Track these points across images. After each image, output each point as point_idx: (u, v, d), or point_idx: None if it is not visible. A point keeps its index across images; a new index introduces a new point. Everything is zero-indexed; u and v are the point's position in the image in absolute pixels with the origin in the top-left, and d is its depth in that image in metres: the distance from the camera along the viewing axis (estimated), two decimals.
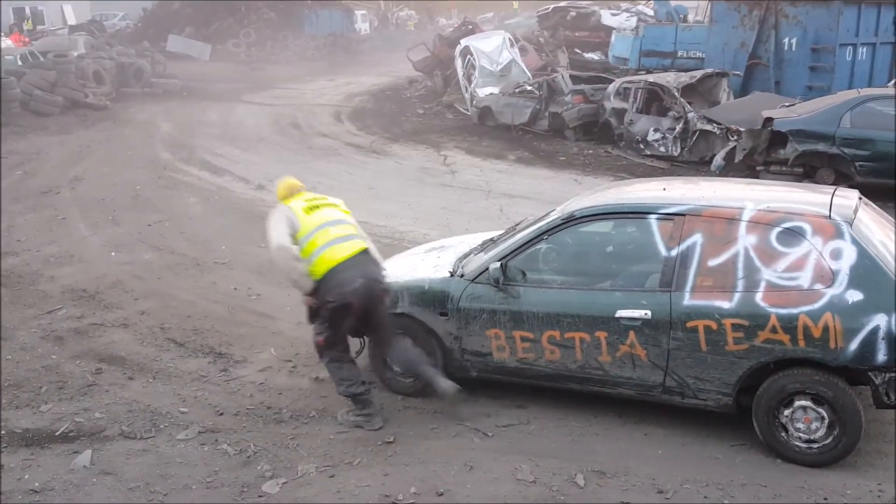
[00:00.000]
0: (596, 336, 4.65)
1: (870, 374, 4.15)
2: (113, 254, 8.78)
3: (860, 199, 4.83)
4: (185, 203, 11.14)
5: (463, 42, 19.13)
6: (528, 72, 18.24)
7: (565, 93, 15.06)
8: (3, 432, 4.91)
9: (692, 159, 12.51)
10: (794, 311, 4.17)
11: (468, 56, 18.36)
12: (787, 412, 4.34)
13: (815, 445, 4.32)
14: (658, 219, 4.62)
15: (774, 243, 4.34)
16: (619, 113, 13.89)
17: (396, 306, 5.20)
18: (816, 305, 4.15)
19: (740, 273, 4.35)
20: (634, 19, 24.91)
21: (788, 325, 4.18)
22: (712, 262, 4.41)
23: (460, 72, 18.64)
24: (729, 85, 14.15)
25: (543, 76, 16.83)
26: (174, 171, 13.08)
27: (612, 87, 14.38)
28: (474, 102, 17.34)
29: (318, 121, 18.47)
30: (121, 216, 10.32)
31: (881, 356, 4.08)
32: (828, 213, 4.40)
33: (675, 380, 4.55)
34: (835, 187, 5.13)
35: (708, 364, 4.42)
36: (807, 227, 4.32)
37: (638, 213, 4.75)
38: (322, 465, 4.50)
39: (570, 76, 15.81)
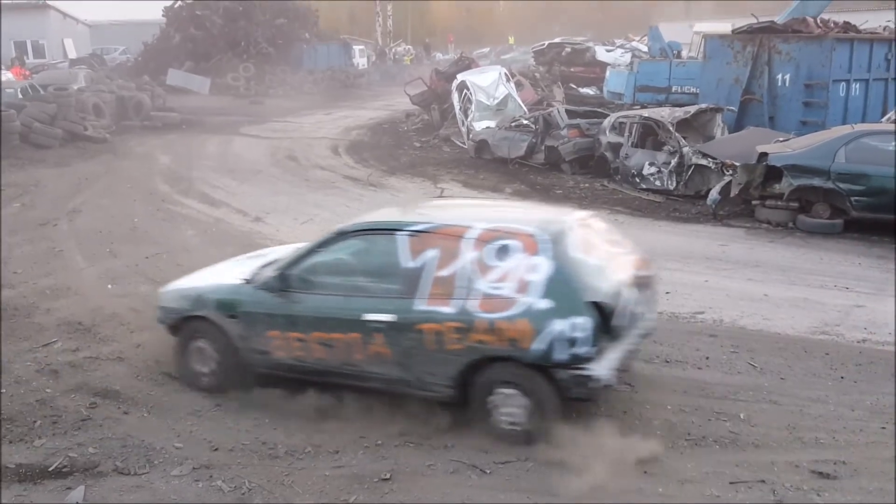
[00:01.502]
0: (351, 337, 5.28)
1: (553, 370, 4.85)
2: (109, 286, 8.74)
3: (585, 220, 5.67)
4: (182, 235, 11.14)
5: (460, 77, 19.32)
6: (524, 106, 18.40)
7: (561, 127, 15.18)
8: None
9: (688, 193, 12.57)
10: (497, 315, 4.88)
11: (465, 90, 18.53)
12: (494, 399, 5.04)
13: (518, 427, 5.01)
14: (403, 235, 5.28)
15: (489, 258, 5.04)
16: (615, 147, 13.99)
17: (199, 309, 5.87)
18: (513, 311, 4.87)
19: (462, 283, 5.04)
20: (629, 55, 25.23)
21: (492, 327, 4.90)
22: (442, 274, 5.08)
23: (457, 106, 18.79)
24: (723, 120, 14.27)
25: (539, 110, 16.99)
26: (172, 204, 13.10)
27: (607, 122, 14.50)
28: (471, 136, 17.46)
29: (315, 153, 18.56)
30: (118, 248, 10.31)
31: (561, 355, 4.80)
32: (536, 232, 5.06)
33: (412, 374, 5.22)
34: (581, 211, 6.09)
35: (435, 361, 5.10)
36: (515, 245, 5.03)
37: (389, 230, 5.41)
38: (318, 503, 4.44)
39: (566, 110, 15.95)
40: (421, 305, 5.07)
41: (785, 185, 10.67)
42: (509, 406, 5.01)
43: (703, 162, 12.40)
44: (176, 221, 11.94)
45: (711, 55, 16.42)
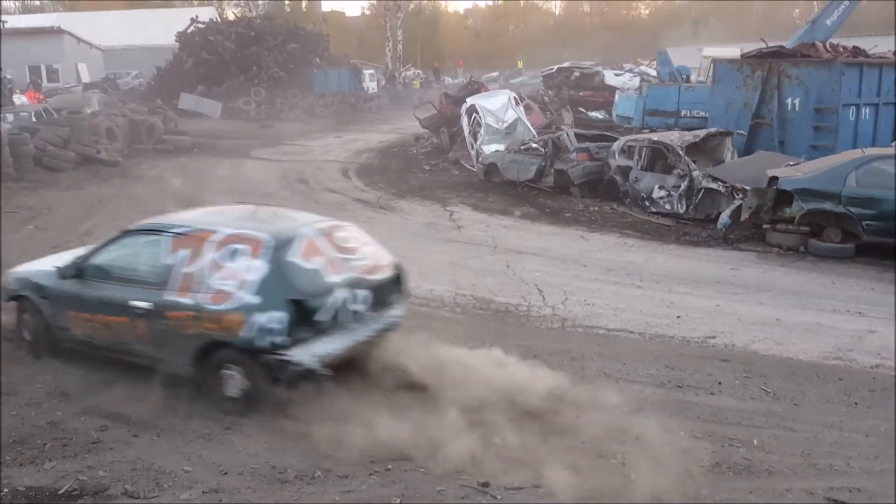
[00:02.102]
0: (122, 320, 6.22)
1: (260, 354, 5.69)
2: None
3: (331, 228, 6.44)
4: None
5: (469, 100, 19.43)
6: (533, 130, 18.47)
7: (570, 150, 15.23)
8: (5, 490, 4.83)
9: (698, 217, 12.56)
10: (219, 307, 5.75)
11: (474, 114, 18.62)
12: (222, 375, 5.87)
13: (239, 398, 5.83)
14: (167, 236, 6.22)
15: (223, 258, 5.91)
16: (624, 170, 14.01)
17: (24, 290, 6.97)
18: (230, 305, 5.73)
19: (200, 279, 5.91)
20: (637, 79, 25.35)
21: (215, 317, 5.77)
22: (188, 270, 5.97)
23: (466, 129, 18.89)
24: (733, 144, 14.29)
25: (549, 134, 17.05)
26: None
27: (616, 146, 14.54)
28: (480, 159, 17.53)
29: (325, 176, 18.65)
30: None
31: (262, 342, 5.65)
32: (264, 238, 5.92)
33: (165, 353, 6.11)
34: (335, 220, 6.83)
35: (179, 343, 5.97)
36: (243, 248, 5.91)
37: (159, 231, 6.34)
38: None
39: (575, 134, 16.00)
40: (170, 296, 5.98)
41: (796, 209, 10.65)
42: (232, 382, 5.87)
43: (714, 186, 12.40)
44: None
45: (720, 79, 16.47)
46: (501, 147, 17.30)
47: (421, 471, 5.11)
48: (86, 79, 38.99)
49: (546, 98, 25.79)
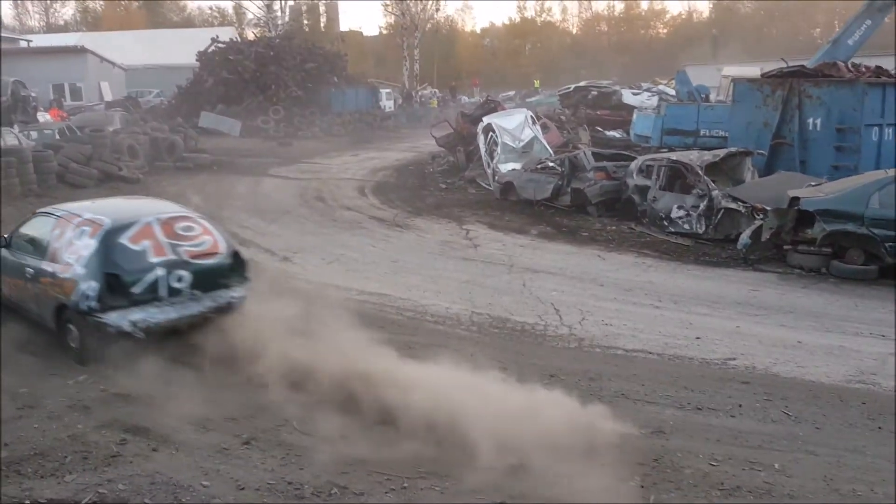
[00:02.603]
0: (22, 282, 7.72)
1: (86, 316, 6.95)
2: None
3: (173, 216, 7.66)
4: None
5: (485, 119, 19.49)
6: (549, 148, 18.48)
7: (587, 169, 15.21)
8: (27, 503, 4.85)
9: (717, 237, 12.48)
10: (65, 276, 7.12)
11: (490, 133, 18.67)
12: (68, 330, 7.25)
13: (75, 352, 7.23)
14: (54, 217, 7.74)
15: (75, 237, 7.30)
16: (642, 190, 13.97)
17: None
18: (69, 274, 7.10)
19: (60, 252, 7.32)
20: (656, 98, 25.35)
21: (62, 283, 7.14)
22: (56, 245, 7.43)
23: (483, 148, 18.93)
24: (753, 164, 14.22)
25: (565, 153, 17.05)
26: None
27: (634, 165, 14.51)
28: (496, 178, 17.54)
29: (342, 194, 18.75)
30: None
31: (83, 305, 6.94)
32: (104, 221, 7.25)
33: (40, 310, 7.56)
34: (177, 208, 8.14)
35: (46, 302, 7.43)
36: (88, 229, 7.25)
37: (52, 213, 7.87)
38: None
39: (593, 153, 15.98)
40: (44, 265, 7.39)
41: (817, 230, 10.56)
42: (72, 335, 7.23)
43: (733, 206, 12.32)
44: None
45: (740, 99, 16.43)
46: (518, 166, 17.32)
47: (437, 489, 5.07)
48: (108, 97, 39.52)
49: (563, 117, 25.86)
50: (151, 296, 7.03)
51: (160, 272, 7.06)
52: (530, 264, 11.63)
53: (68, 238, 7.30)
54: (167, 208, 8.07)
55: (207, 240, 7.57)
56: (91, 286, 6.90)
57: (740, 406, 6.41)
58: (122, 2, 75.94)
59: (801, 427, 6.03)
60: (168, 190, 18.80)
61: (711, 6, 78.60)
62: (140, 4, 75.24)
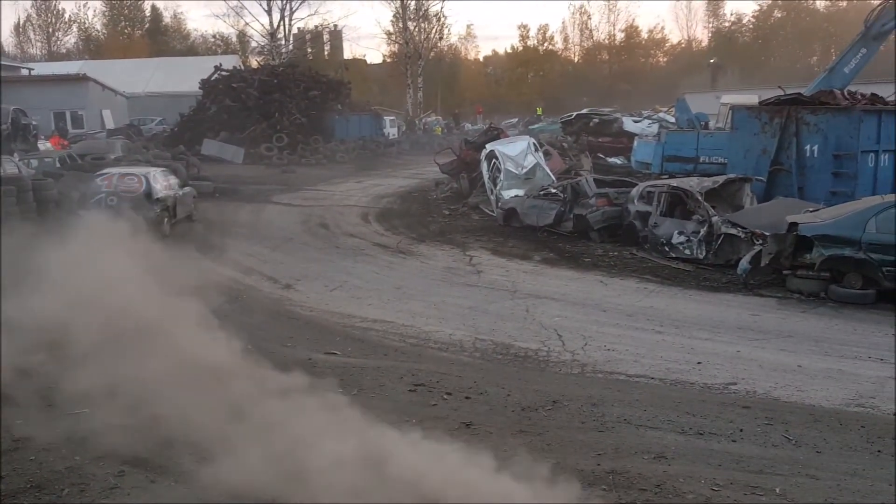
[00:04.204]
0: None
1: None
2: None
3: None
4: (211, 303, 11.21)
5: (489, 146, 19.66)
6: (552, 175, 18.62)
7: (590, 195, 15.33)
8: None
9: (717, 262, 12.55)
10: None
11: (494, 160, 18.83)
12: None
13: None
14: None
15: None
16: (643, 216, 14.07)
17: None
18: None
19: None
20: (656, 126, 25.57)
21: None
22: None
23: (486, 175, 19.08)
24: (752, 190, 14.34)
25: (568, 179, 17.19)
26: (203, 271, 13.21)
27: (635, 191, 14.63)
28: (500, 204, 17.67)
29: (345, 221, 18.86)
30: None
31: None
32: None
33: None
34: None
35: None
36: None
37: None
38: None
39: (594, 180, 16.13)
40: None
41: (816, 256, 10.64)
42: None
43: (733, 231, 12.42)
44: (206, 288, 12.05)
45: (739, 126, 16.60)
46: (521, 192, 17.45)
47: None
48: (110, 125, 39.81)
49: (565, 144, 26.05)
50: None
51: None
52: (533, 290, 11.70)
53: None
54: None
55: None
56: None
57: (741, 430, 6.44)
58: (125, 30, 76.94)
59: (802, 451, 6.06)
60: None
61: (710, 35, 79.45)
62: (143, 33, 76.21)
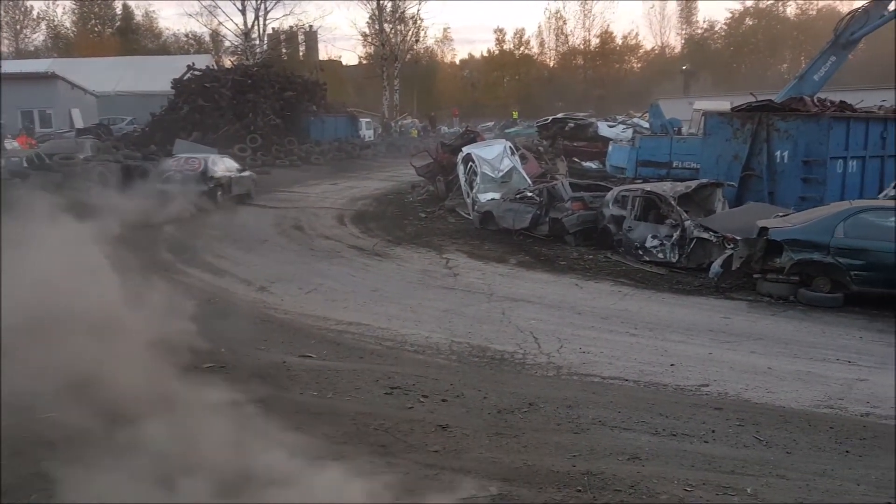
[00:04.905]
0: None
1: None
2: None
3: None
4: (183, 306, 11.11)
5: (465, 150, 19.70)
6: (528, 179, 18.73)
7: (565, 199, 15.45)
8: None
9: (690, 266, 12.71)
10: None
11: (470, 163, 18.89)
12: None
13: None
14: None
15: None
16: (618, 220, 14.22)
17: None
18: None
19: None
20: (630, 131, 25.83)
21: None
22: None
23: (462, 178, 19.12)
24: (724, 195, 14.53)
25: (544, 183, 17.30)
26: (175, 273, 13.08)
27: (610, 195, 14.78)
28: (476, 207, 17.73)
29: (321, 223, 18.80)
30: None
31: None
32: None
33: None
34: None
35: None
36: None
37: None
38: None
39: (570, 184, 16.26)
40: None
41: (785, 260, 10.83)
42: None
43: (705, 235, 12.59)
44: (178, 291, 11.93)
45: (711, 132, 16.83)
46: (497, 195, 17.53)
47: None
48: (79, 124, 39.18)
49: (541, 148, 26.19)
50: None
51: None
52: (509, 293, 11.76)
53: None
54: None
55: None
56: None
57: (713, 432, 6.54)
58: (95, 28, 75.95)
59: (772, 452, 6.17)
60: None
61: (683, 42, 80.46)
62: (113, 31, 75.27)
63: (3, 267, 6.61)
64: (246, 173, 22.65)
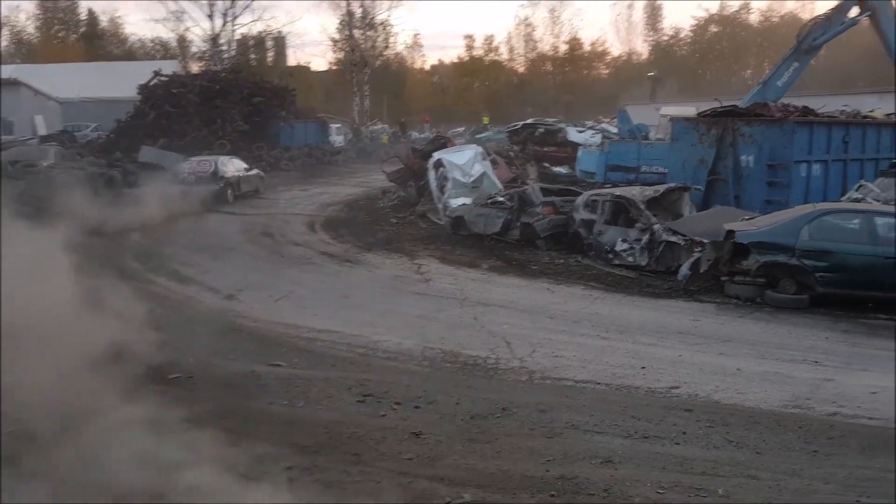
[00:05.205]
0: None
1: None
2: None
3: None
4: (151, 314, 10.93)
5: (436, 155, 19.72)
6: (499, 184, 18.77)
7: (536, 204, 15.50)
8: None
9: (659, 269, 12.82)
10: None
11: (441, 168, 18.89)
12: None
13: None
14: None
15: None
16: (588, 224, 14.30)
17: None
18: None
19: None
20: (599, 136, 26.04)
21: None
22: None
23: (433, 183, 19.11)
24: (691, 199, 14.70)
25: (515, 188, 17.36)
26: (141, 281, 12.76)
27: (580, 200, 14.86)
28: (447, 212, 17.72)
29: (291, 230, 18.64)
30: None
31: None
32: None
33: None
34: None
35: None
36: None
37: None
38: None
39: (541, 188, 16.32)
40: None
41: (752, 262, 10.97)
42: None
43: (673, 239, 12.72)
44: (144, 300, 11.73)
45: (678, 137, 17.03)
46: (468, 201, 17.53)
47: None
48: (42, 131, 38.46)
49: (511, 153, 26.32)
50: None
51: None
52: (481, 298, 11.75)
53: None
54: None
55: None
56: None
57: (684, 433, 6.59)
58: (59, 34, 74.78)
59: (743, 452, 6.23)
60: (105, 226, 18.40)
61: (650, 48, 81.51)
62: (78, 37, 74.17)
63: None
64: (253, 171, 24.54)
